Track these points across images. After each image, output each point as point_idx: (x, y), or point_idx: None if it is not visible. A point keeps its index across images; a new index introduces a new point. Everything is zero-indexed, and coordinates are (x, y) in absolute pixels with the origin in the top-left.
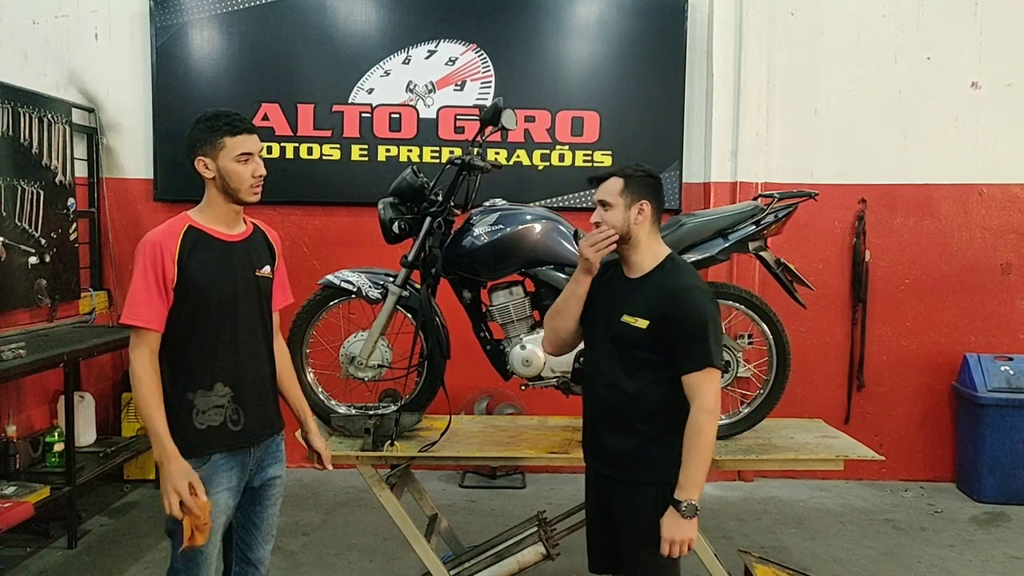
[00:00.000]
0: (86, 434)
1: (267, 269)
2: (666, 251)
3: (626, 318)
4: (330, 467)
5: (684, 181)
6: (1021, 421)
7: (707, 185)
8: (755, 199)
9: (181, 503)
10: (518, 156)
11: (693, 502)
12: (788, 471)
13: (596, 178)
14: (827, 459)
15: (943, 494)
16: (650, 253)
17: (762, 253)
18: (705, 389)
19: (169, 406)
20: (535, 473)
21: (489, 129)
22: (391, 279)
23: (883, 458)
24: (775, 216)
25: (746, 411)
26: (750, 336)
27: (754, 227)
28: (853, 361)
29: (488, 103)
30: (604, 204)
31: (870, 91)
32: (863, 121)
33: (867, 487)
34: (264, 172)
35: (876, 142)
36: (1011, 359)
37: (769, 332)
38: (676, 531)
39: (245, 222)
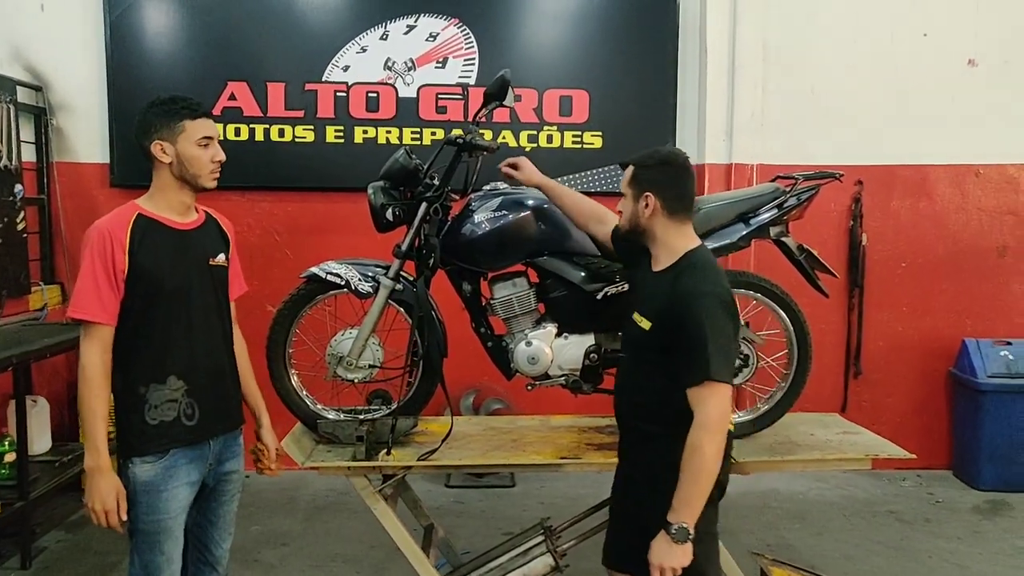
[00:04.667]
0: (40, 442)
1: (222, 257)
2: (687, 246)
3: (636, 316)
4: (274, 469)
5: None
6: (1021, 407)
7: (701, 167)
8: (773, 180)
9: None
10: (503, 137)
11: (685, 526)
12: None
13: (623, 164)
14: (855, 458)
15: (941, 482)
16: (666, 248)
17: (784, 239)
18: (703, 404)
19: (119, 401)
20: (524, 471)
21: (491, 105)
22: (382, 271)
23: (914, 456)
24: (797, 199)
25: (765, 408)
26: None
27: (777, 211)
28: (850, 348)
29: (472, 81)
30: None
31: (867, 69)
32: (860, 100)
33: (865, 476)
34: (223, 157)
35: (873, 122)
36: (1010, 343)
37: (790, 323)
38: (664, 556)
39: (197, 210)
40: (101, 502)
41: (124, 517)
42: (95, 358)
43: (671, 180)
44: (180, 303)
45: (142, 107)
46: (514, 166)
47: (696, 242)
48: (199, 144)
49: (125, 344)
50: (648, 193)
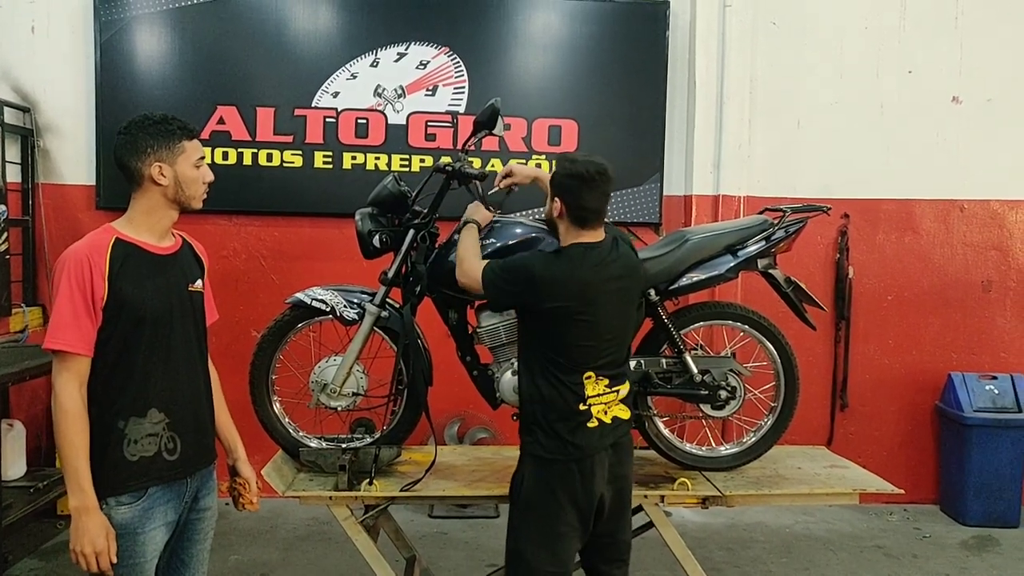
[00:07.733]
0: (15, 467)
1: (199, 283)
2: (569, 243)
3: None
4: (255, 503)
5: (665, 194)
6: (1006, 442)
7: (688, 198)
8: (761, 212)
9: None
10: (492, 165)
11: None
12: None
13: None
14: (843, 493)
15: (928, 517)
16: (563, 243)
17: (772, 271)
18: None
19: (96, 437)
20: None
21: (480, 134)
22: (368, 298)
23: (902, 491)
24: (785, 231)
25: (752, 440)
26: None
27: (765, 243)
28: (836, 381)
29: (461, 109)
30: None
31: (852, 104)
32: (845, 135)
33: (851, 511)
34: (212, 177)
35: (858, 156)
36: (995, 378)
37: (777, 355)
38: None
39: (173, 234)
40: (91, 544)
41: (115, 559)
42: (73, 391)
43: (577, 191)
44: (161, 332)
45: (125, 126)
46: (508, 174)
47: (578, 240)
48: (196, 165)
49: (102, 375)
50: (557, 198)
